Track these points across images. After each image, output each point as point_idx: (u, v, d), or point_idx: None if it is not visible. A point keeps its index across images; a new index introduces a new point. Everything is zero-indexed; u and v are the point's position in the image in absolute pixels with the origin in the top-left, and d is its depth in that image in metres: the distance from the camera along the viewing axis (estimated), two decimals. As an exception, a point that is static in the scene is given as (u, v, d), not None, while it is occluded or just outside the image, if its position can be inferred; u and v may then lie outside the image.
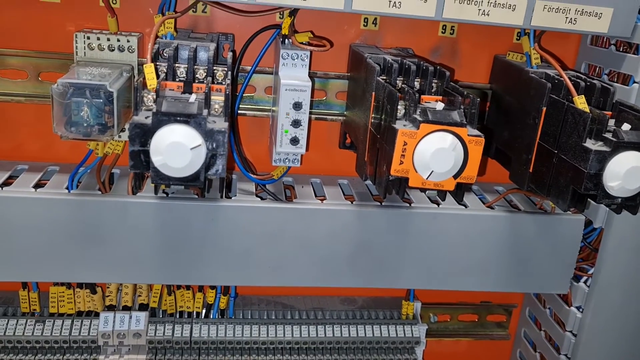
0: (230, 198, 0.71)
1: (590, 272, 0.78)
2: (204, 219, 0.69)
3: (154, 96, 0.54)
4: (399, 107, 0.57)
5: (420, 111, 0.55)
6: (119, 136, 0.70)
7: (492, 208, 0.76)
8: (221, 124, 0.52)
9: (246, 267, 0.72)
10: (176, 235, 0.69)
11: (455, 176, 0.55)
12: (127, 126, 0.67)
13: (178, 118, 0.50)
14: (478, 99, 0.57)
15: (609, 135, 0.58)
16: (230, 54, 0.65)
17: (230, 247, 0.71)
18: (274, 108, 0.73)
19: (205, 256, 0.71)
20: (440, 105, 0.57)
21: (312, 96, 0.67)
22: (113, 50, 0.69)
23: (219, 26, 0.74)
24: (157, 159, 0.51)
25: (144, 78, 0.55)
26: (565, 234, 0.76)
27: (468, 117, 0.57)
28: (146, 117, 0.52)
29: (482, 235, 0.75)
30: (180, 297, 0.81)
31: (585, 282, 0.78)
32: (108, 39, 0.68)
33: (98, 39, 0.68)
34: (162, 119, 0.50)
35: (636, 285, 0.77)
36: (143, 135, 0.51)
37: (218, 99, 0.55)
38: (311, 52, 0.66)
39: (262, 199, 0.72)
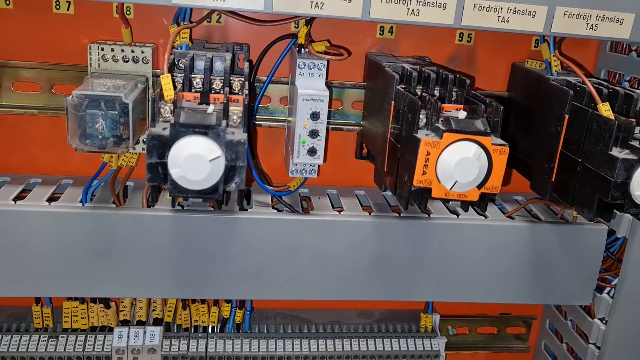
0: (247, 210, 0.70)
1: (613, 283, 0.76)
2: (220, 232, 0.68)
3: (171, 107, 0.53)
4: (420, 116, 0.56)
5: (443, 120, 0.54)
6: (133, 148, 0.69)
7: (512, 218, 0.75)
8: (240, 135, 0.51)
9: (262, 281, 0.71)
10: (192, 249, 0.68)
11: (479, 186, 0.54)
12: (142, 138, 0.67)
13: (196, 129, 0.49)
14: (502, 107, 0.55)
15: (635, 143, 0.57)
16: (246, 64, 0.64)
17: (246, 260, 0.69)
18: (289, 118, 0.72)
19: (221, 269, 0.69)
20: (462, 114, 0.56)
21: (329, 106, 0.66)
22: (127, 61, 0.68)
23: (234, 36, 0.74)
24: (175, 171, 0.49)
25: (161, 89, 0.54)
26: (587, 244, 0.74)
27: (491, 125, 0.56)
28: (164, 129, 0.51)
29: (502, 246, 0.73)
30: (195, 312, 0.79)
31: (608, 293, 0.77)
32: (122, 50, 0.68)
33: (112, 50, 0.67)
34: (180, 130, 0.49)
35: (661, 296, 0.75)
36: (161, 146, 0.50)
37: (236, 110, 0.54)
38: (328, 61, 0.65)
39: (278, 210, 0.71)
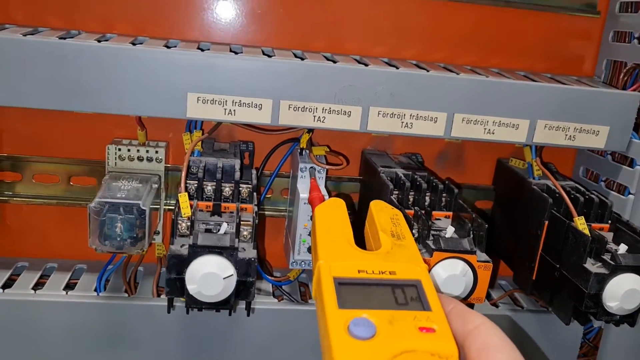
0: (250, 300, 0.75)
1: (590, 367, 0.82)
2: (224, 322, 0.73)
3: (188, 224, 0.59)
4: (412, 230, 0.61)
5: (433, 238, 0.60)
6: (146, 240, 0.74)
7: (496, 306, 0.80)
8: (250, 252, 0.56)
9: (263, 365, 0.76)
10: (198, 336, 0.73)
11: (466, 298, 0.60)
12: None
13: (212, 250, 0.55)
14: (486, 225, 0.61)
15: (607, 257, 0.62)
16: (254, 172, 0.70)
17: (248, 346, 0.74)
18: (290, 208, 0.77)
19: (225, 354, 0.74)
20: (450, 230, 0.61)
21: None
22: (142, 160, 0.74)
23: (240, 133, 0.79)
24: (192, 287, 0.55)
25: (179, 207, 0.59)
26: (566, 331, 0.80)
27: (476, 240, 0.61)
28: (182, 246, 0.56)
29: (487, 333, 0.78)
30: (197, 388, 0.84)
31: (586, 377, 0.82)
32: (138, 150, 0.73)
33: (128, 150, 0.73)
34: (198, 250, 0.54)
35: (635, 381, 0.81)
36: (180, 264, 0.55)
37: (246, 225, 0.59)
38: (327, 170, 0.71)
39: (278, 300, 0.76)
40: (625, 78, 0.76)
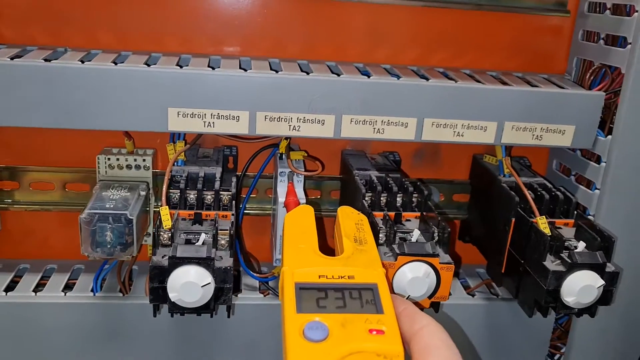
0: (236, 295, 0.79)
1: (562, 350, 0.86)
2: (213, 318, 0.77)
3: (169, 234, 0.63)
4: (380, 234, 0.65)
5: (398, 243, 0.64)
6: (137, 243, 0.78)
7: (472, 295, 0.84)
8: (227, 261, 0.61)
9: (250, 357, 0.80)
10: (188, 332, 0.78)
11: (430, 297, 0.64)
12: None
13: (191, 261, 0.59)
14: (449, 229, 0.65)
15: (565, 255, 0.66)
16: (234, 180, 0.74)
17: (236, 340, 0.79)
18: (274, 207, 0.82)
19: (214, 348, 0.79)
20: (416, 234, 0.65)
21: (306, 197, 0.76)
22: (131, 168, 0.78)
23: (224, 139, 0.83)
24: (173, 295, 0.59)
25: (160, 220, 0.64)
26: (538, 318, 0.84)
27: (441, 241, 0.65)
28: (163, 257, 0.60)
29: (463, 322, 0.83)
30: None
31: (558, 359, 0.87)
32: (126, 159, 0.77)
33: (117, 159, 0.77)
34: (177, 261, 0.59)
35: (604, 363, 0.85)
36: (161, 274, 0.59)
37: (224, 235, 0.64)
38: (305, 176, 0.75)
39: (263, 293, 0.80)
40: (592, 77, 0.78)
